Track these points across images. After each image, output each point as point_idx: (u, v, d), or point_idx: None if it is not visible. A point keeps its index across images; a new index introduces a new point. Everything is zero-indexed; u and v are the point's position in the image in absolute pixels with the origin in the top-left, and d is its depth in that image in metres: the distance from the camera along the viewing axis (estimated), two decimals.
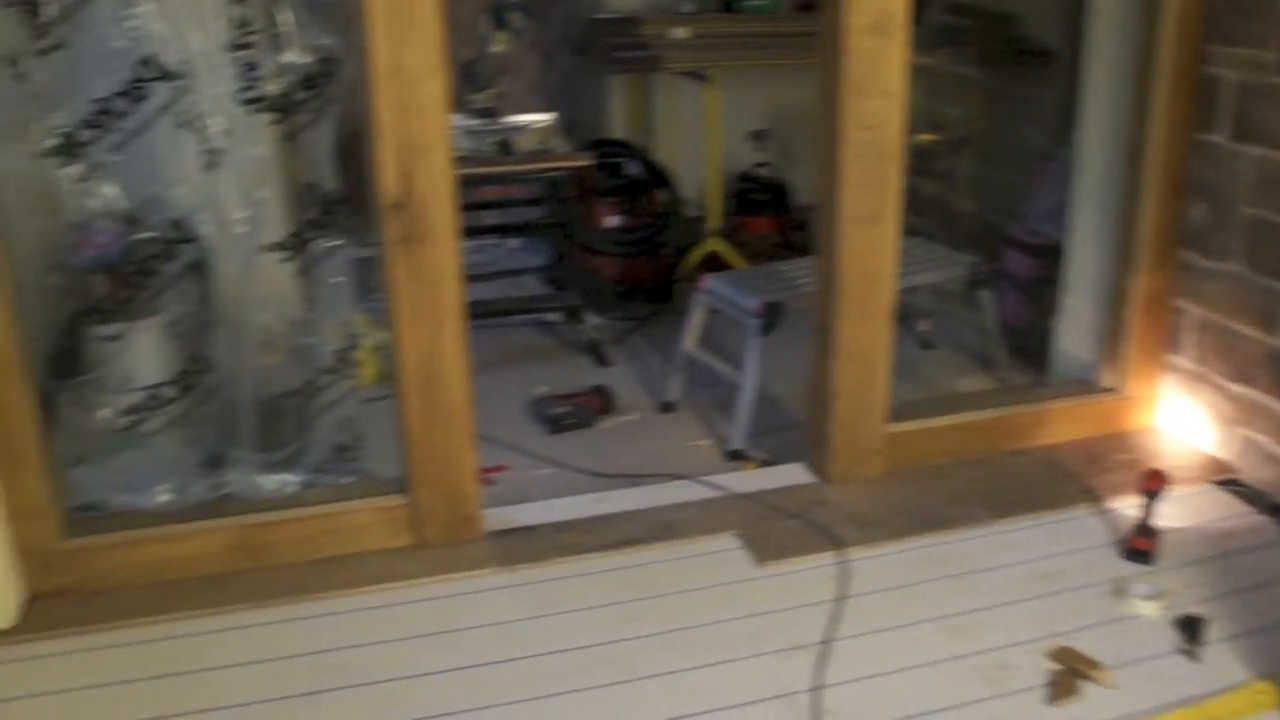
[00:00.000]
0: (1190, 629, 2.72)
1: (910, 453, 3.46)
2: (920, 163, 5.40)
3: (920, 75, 3.09)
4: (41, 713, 2.52)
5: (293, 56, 2.86)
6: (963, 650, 2.69)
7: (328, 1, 2.93)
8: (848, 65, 2.99)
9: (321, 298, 3.06)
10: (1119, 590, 2.90)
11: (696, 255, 5.24)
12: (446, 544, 3.04)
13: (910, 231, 3.22)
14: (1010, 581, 2.95)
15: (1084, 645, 2.68)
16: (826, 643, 2.70)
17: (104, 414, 3.04)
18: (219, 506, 3.03)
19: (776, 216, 5.50)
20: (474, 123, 4.43)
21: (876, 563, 3.02)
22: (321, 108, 2.90)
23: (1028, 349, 4.30)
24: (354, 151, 2.99)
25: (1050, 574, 2.98)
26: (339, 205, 2.96)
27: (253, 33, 2.82)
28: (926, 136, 5.24)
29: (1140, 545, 3.04)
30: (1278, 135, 3.18)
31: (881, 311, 3.23)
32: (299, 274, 3.07)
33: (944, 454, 3.51)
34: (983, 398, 3.94)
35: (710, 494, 3.33)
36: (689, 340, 3.99)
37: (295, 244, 3.02)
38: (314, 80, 2.90)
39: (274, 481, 3.07)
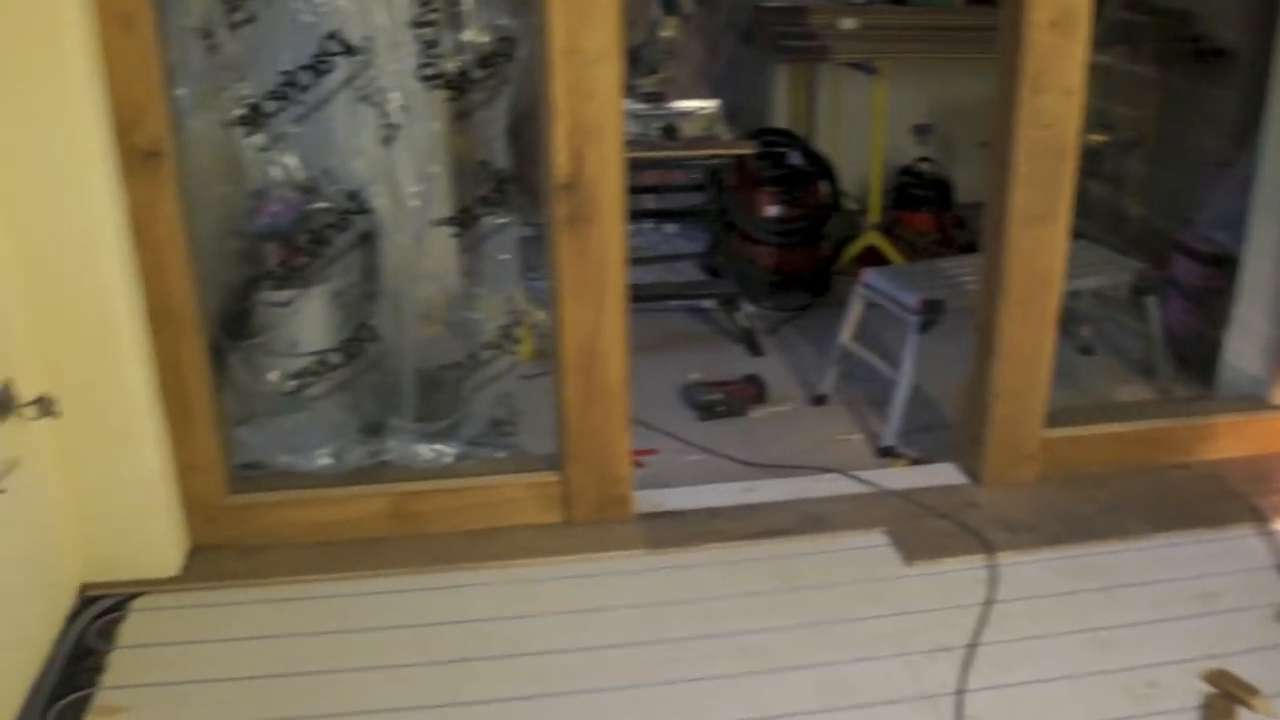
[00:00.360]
0: None
1: (1066, 459, 3.39)
2: (1089, 163, 5.28)
3: (1093, 73, 3.02)
4: (199, 659, 2.62)
5: (472, 35, 2.91)
6: (1111, 665, 2.63)
7: None
8: (1026, 60, 2.93)
9: (488, 274, 3.12)
10: None
11: (854, 248, 5.20)
12: (595, 523, 3.07)
13: (1075, 234, 3.15)
14: (1165, 598, 2.87)
15: (1242, 670, 2.60)
16: (972, 647, 2.66)
17: (271, 376, 3.15)
18: (376, 473, 3.11)
19: (936, 212, 5.43)
20: (639, 107, 4.45)
21: (1026, 569, 2.97)
22: (497, 86, 2.95)
23: (1193, 360, 4.18)
24: (523, 131, 3.04)
25: (1208, 594, 2.90)
26: (509, 183, 3.01)
27: (434, 10, 2.88)
28: (1097, 136, 5.12)
29: None
30: None
31: (1047, 315, 3.17)
32: (467, 249, 3.13)
33: (1101, 462, 3.43)
34: (1143, 407, 3.85)
35: (860, 489, 3.31)
36: (845, 334, 3.97)
37: (465, 220, 3.08)
38: (491, 59, 2.94)
39: (431, 451, 3.13)
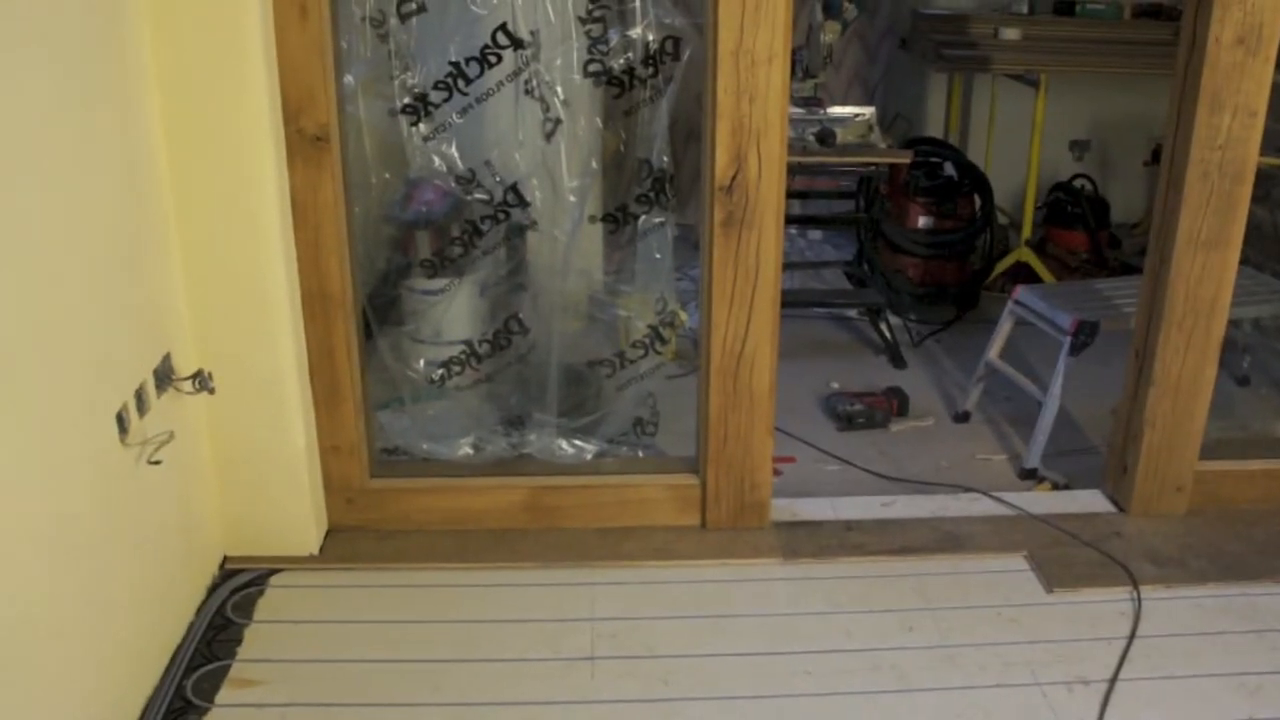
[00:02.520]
0: None
1: (1218, 493, 3.28)
2: (1258, 187, 5.10)
3: (1272, 92, 2.91)
4: (332, 638, 2.67)
5: (639, 32, 2.91)
6: (1261, 713, 2.53)
7: None
8: (1205, 79, 2.84)
9: (640, 272, 3.12)
10: None
11: (1004, 264, 5.10)
12: (732, 528, 3.06)
13: (1240, 260, 3.05)
14: None
15: None
16: (1112, 681, 2.59)
17: (417, 364, 3.19)
18: (515, 465, 3.14)
19: (1090, 231, 5.30)
20: (795, 111, 4.41)
21: (1172, 605, 2.88)
22: (661, 85, 2.94)
23: None
24: (676, 131, 3.03)
25: None
26: (668, 182, 3.00)
27: (604, 7, 2.89)
28: (1270, 160, 4.94)
29: None
30: None
31: (1210, 343, 3.07)
32: (620, 247, 3.14)
33: (1255, 499, 3.31)
34: None
35: (1001, 511, 3.25)
36: (994, 350, 3.89)
37: (622, 217, 3.08)
38: (657, 57, 2.94)
39: (571, 447, 3.15)
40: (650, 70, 2.94)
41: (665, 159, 2.98)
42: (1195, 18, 2.87)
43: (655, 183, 2.99)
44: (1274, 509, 3.30)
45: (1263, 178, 4.92)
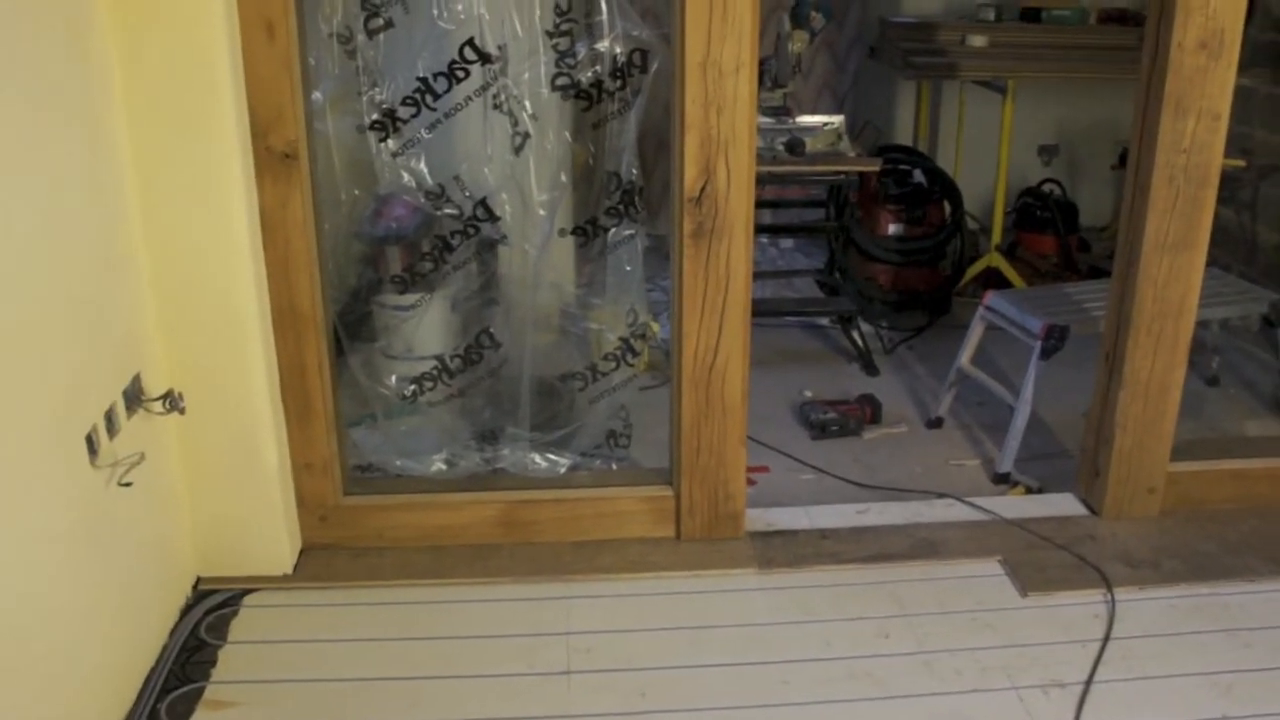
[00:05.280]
0: None
1: (1189, 494, 3.30)
2: (1222, 189, 5.14)
3: (1235, 95, 2.94)
4: (308, 658, 2.65)
5: (606, 45, 2.92)
6: (1235, 712, 2.54)
7: None
8: (1170, 83, 2.86)
9: (611, 285, 3.13)
10: None
11: (975, 270, 5.13)
12: (707, 539, 3.06)
13: (1207, 261, 3.07)
14: None
15: None
16: (1088, 684, 2.60)
17: (389, 380, 3.19)
18: (489, 480, 3.14)
19: (1059, 236, 5.34)
20: (764, 121, 4.43)
21: (1146, 606, 2.90)
22: (629, 97, 2.95)
23: None
24: (645, 143, 3.04)
25: None
26: (637, 194, 3.01)
27: (570, 20, 2.90)
28: (1233, 161, 4.99)
29: None
30: None
31: (1178, 345, 3.09)
32: (590, 260, 3.14)
33: (1226, 500, 3.33)
34: (1273, 444, 3.75)
35: (975, 516, 3.26)
36: (965, 356, 3.91)
37: (591, 230, 3.08)
38: (625, 70, 2.95)
39: (545, 460, 3.15)
40: (618, 83, 2.95)
41: (634, 171, 2.99)
42: (1158, 23, 2.89)
43: (624, 195, 3.00)
44: (1245, 509, 3.32)
45: (1228, 180, 4.99)
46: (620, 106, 2.96)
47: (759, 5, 2.66)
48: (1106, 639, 2.76)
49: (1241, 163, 5.00)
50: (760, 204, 4.78)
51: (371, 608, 2.82)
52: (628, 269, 3.07)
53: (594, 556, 3.00)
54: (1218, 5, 2.82)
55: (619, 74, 2.94)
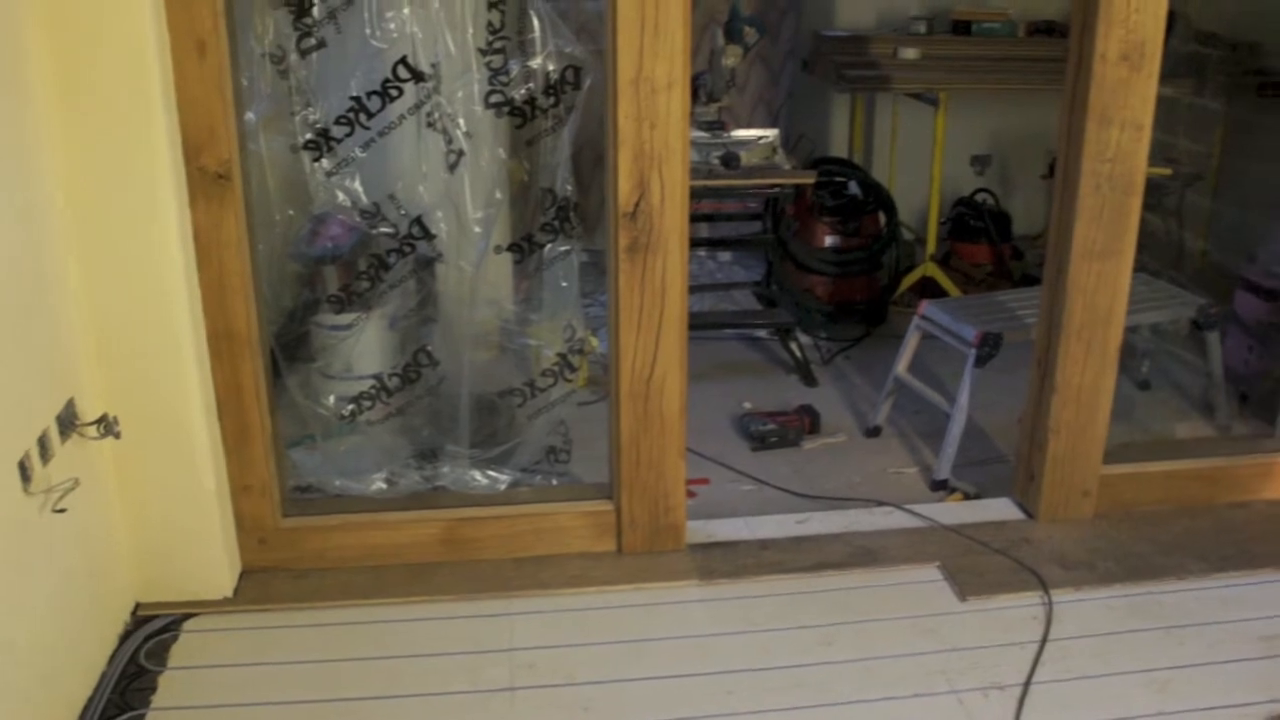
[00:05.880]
0: None
1: (1123, 496, 3.35)
2: (1150, 196, 5.24)
3: (1158, 105, 3.00)
4: (249, 682, 2.63)
5: (539, 62, 2.93)
6: (1170, 708, 2.59)
7: (576, 10, 2.99)
8: (1093, 94, 2.92)
9: (547, 300, 3.13)
10: None
11: (910, 279, 5.18)
12: (648, 552, 3.07)
13: (1136, 267, 3.13)
14: (1225, 639, 2.84)
15: None
16: (1026, 685, 2.64)
17: (328, 400, 3.17)
18: (430, 498, 3.13)
19: (993, 244, 5.41)
20: (699, 135, 4.46)
21: (1082, 606, 2.94)
22: (563, 114, 2.97)
23: (1253, 396, 4.14)
24: (581, 159, 3.06)
25: (1270, 636, 2.85)
26: (572, 210, 3.02)
27: (503, 38, 2.91)
28: (1159, 170, 5.09)
29: None
30: None
31: (1107, 351, 3.14)
32: (527, 276, 3.15)
33: (1158, 500, 3.39)
34: (1203, 445, 3.82)
35: (914, 523, 3.30)
36: (901, 365, 3.95)
37: (527, 246, 3.09)
38: (558, 87, 2.96)
39: (485, 478, 3.14)
40: (552, 100, 2.96)
41: (569, 187, 3.00)
42: (1081, 36, 2.95)
43: (559, 211, 3.01)
44: (1176, 509, 3.38)
45: (1154, 187, 5.08)
46: (554, 123, 2.98)
47: (690, 22, 2.69)
48: (1044, 640, 2.79)
49: (1167, 171, 5.10)
50: (697, 218, 4.82)
51: (313, 629, 2.80)
52: (564, 285, 3.08)
53: (535, 572, 3.00)
54: (1138, 18, 2.88)
55: (552, 91, 2.95)
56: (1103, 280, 3.08)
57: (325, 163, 2.97)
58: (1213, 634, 2.86)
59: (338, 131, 2.94)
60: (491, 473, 3.14)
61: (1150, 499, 3.39)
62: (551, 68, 2.94)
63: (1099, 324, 3.11)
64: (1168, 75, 4.75)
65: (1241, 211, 4.89)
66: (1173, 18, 4.84)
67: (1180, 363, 4.44)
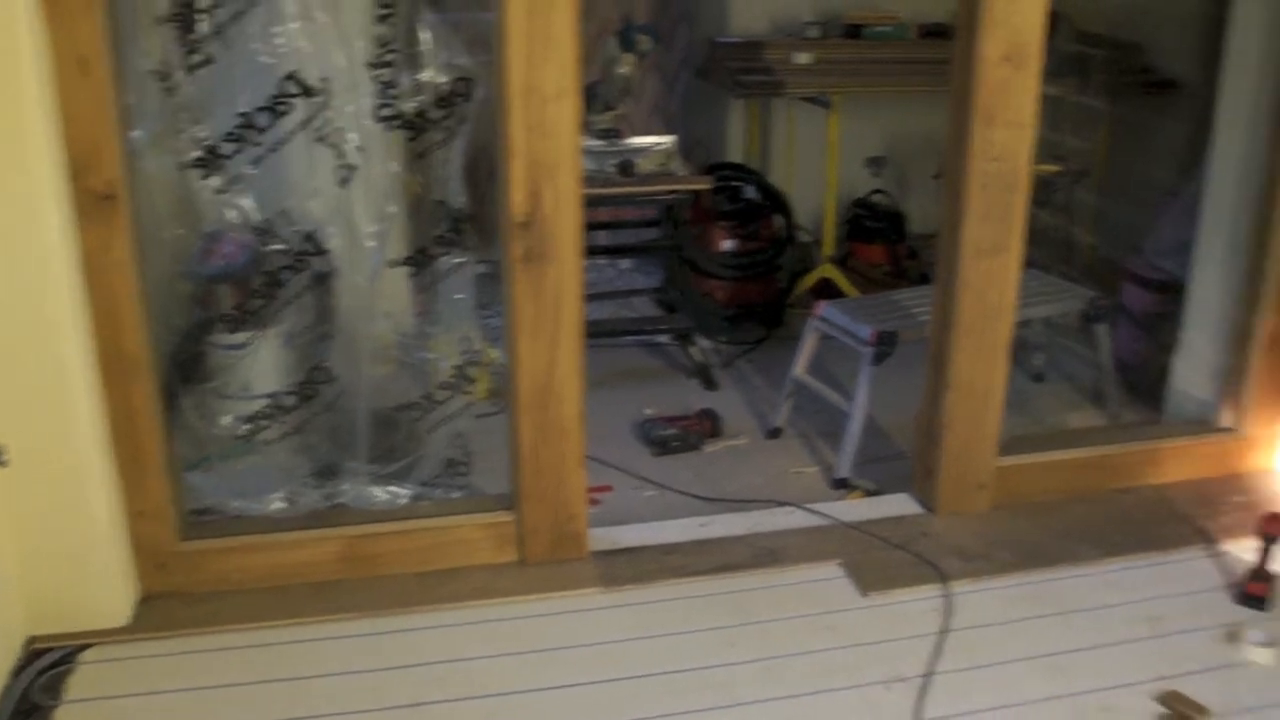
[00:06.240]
0: None
1: (1018, 487, 3.42)
2: (1039, 193, 5.35)
3: (1044, 105, 3.07)
4: (149, 712, 2.58)
5: (429, 75, 2.93)
6: (1065, 690, 2.66)
7: (465, 22, 2.99)
8: (978, 94, 2.98)
9: (444, 313, 3.12)
10: (1231, 636, 2.85)
11: (809, 281, 5.24)
12: (551, 562, 3.07)
13: (1027, 263, 3.20)
14: (1116, 622, 2.92)
15: (1193, 690, 2.64)
16: (927, 676, 2.69)
17: (224, 420, 3.13)
18: (330, 516, 3.09)
19: (890, 244, 5.49)
20: (595, 143, 4.47)
21: (980, 597, 3.01)
22: (454, 126, 2.96)
23: (1142, 385, 4.25)
24: (477, 170, 3.06)
25: (1159, 616, 2.94)
26: (465, 222, 3.02)
27: (393, 51, 2.90)
28: (1047, 167, 5.19)
29: (1255, 590, 2.99)
30: None
31: (998, 346, 3.21)
32: (423, 289, 3.14)
33: (1052, 490, 3.47)
34: (1094, 434, 3.91)
35: (815, 522, 3.33)
36: (799, 366, 4.00)
37: (421, 259, 3.08)
38: (449, 99, 2.96)
39: (386, 493, 3.12)
40: (443, 112, 2.96)
41: (462, 199, 3.00)
42: (965, 38, 3.01)
43: (453, 223, 3.01)
44: (1069, 497, 3.46)
45: (1043, 184, 5.19)
46: (446, 136, 2.97)
47: (580, 32, 2.70)
48: (944, 631, 2.85)
49: (1056, 168, 5.21)
50: (596, 226, 4.83)
51: (215, 654, 2.76)
52: (460, 297, 3.07)
53: (439, 586, 2.98)
54: (1020, 21, 2.95)
55: (443, 103, 2.95)
56: (992, 277, 3.14)
57: (216, 180, 2.93)
58: (1104, 617, 2.94)
59: (227, 148, 2.91)
60: (391, 488, 3.12)
61: (1044, 488, 3.46)
62: (442, 80, 2.93)
63: (989, 320, 3.18)
64: (1053, 75, 4.85)
65: (1127, 206, 5.00)
66: (1055, 19, 4.95)
67: (1072, 355, 4.54)
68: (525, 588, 2.99)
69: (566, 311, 2.87)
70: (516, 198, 2.76)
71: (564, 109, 2.73)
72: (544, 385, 2.91)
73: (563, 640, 2.81)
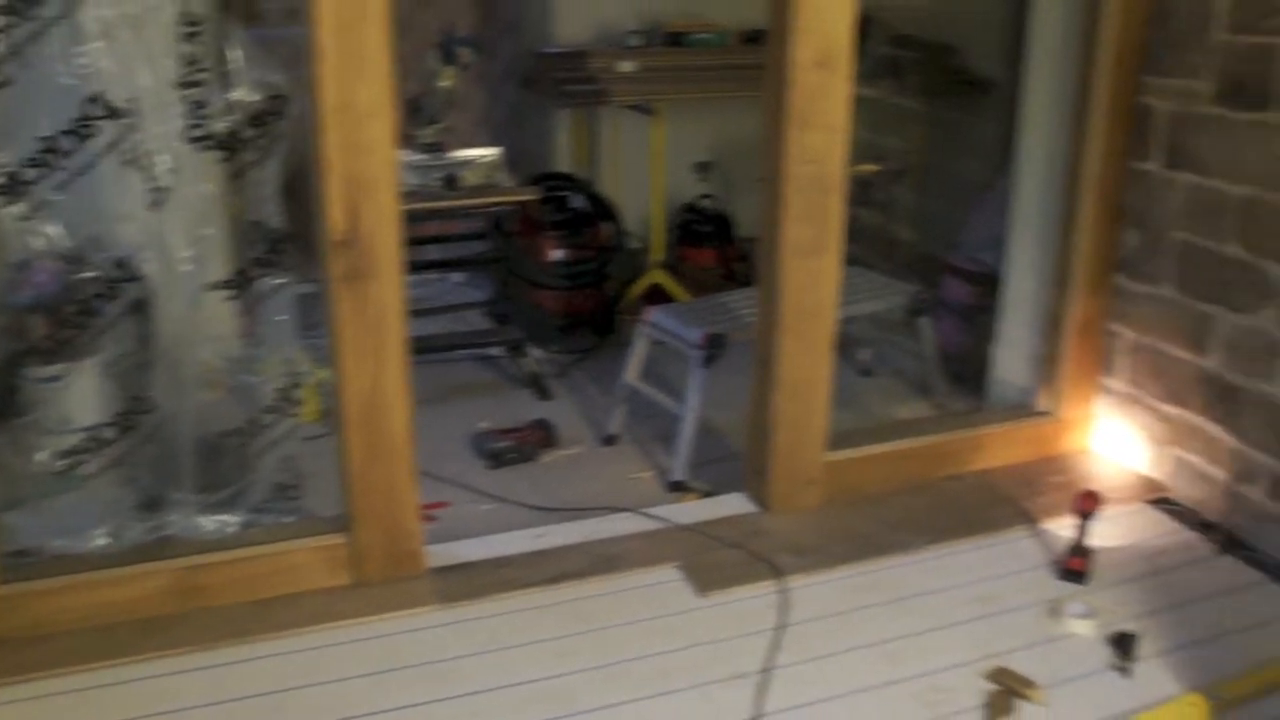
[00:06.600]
0: (1123, 645, 2.80)
1: (849, 480, 3.50)
2: (861, 193, 5.48)
3: (861, 106, 3.15)
4: None
5: (241, 94, 2.87)
6: (901, 675, 2.73)
7: (277, 39, 2.94)
8: (791, 99, 3.04)
9: (265, 335, 3.06)
10: (1054, 610, 2.96)
11: (639, 287, 5.28)
12: (388, 581, 3.03)
13: (851, 261, 3.27)
14: (947, 605, 3.01)
15: (1020, 665, 2.74)
16: (766, 671, 2.73)
17: (41, 456, 3.02)
18: (158, 549, 2.99)
19: (719, 248, 5.57)
20: (420, 158, 4.44)
21: (816, 590, 3.06)
22: (269, 145, 2.91)
23: (966, 375, 4.38)
24: (298, 188, 3.01)
25: (987, 596, 3.04)
26: (285, 243, 2.97)
27: (202, 70, 2.83)
28: (867, 167, 5.33)
29: (1075, 565, 3.12)
30: (1207, 163, 3.29)
31: (822, 343, 3.28)
32: (243, 312, 3.07)
33: (882, 481, 3.56)
34: (921, 424, 4.01)
35: (652, 526, 3.36)
36: (631, 372, 4.02)
37: (240, 282, 3.02)
38: (262, 117, 2.90)
39: (214, 523, 3.04)
40: (256, 131, 2.90)
41: (280, 219, 2.95)
42: (777, 44, 3.07)
43: (272, 244, 2.95)
44: (898, 488, 3.56)
45: (864, 183, 5.32)
46: (260, 155, 2.92)
47: (395, 46, 2.68)
48: (781, 626, 2.89)
49: (875, 168, 5.35)
50: (425, 240, 4.81)
51: (40, 701, 2.64)
52: (282, 318, 3.02)
53: (274, 614, 2.92)
54: (829, 26, 3.02)
55: (256, 122, 2.90)
56: (812, 276, 3.20)
57: (19, 207, 2.83)
58: (935, 601, 3.03)
59: (29, 174, 2.81)
60: (220, 517, 3.04)
61: (874, 480, 3.55)
62: (254, 99, 2.88)
63: (812, 318, 3.24)
64: (869, 78, 4.99)
65: (945, 203, 5.15)
66: (868, 23, 5.09)
67: (898, 348, 4.66)
68: (362, 609, 2.94)
69: (390, 329, 2.84)
70: (335, 215, 2.73)
71: (380, 125, 2.71)
72: (371, 404, 2.88)
73: (401, 660, 2.78)
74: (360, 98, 2.68)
